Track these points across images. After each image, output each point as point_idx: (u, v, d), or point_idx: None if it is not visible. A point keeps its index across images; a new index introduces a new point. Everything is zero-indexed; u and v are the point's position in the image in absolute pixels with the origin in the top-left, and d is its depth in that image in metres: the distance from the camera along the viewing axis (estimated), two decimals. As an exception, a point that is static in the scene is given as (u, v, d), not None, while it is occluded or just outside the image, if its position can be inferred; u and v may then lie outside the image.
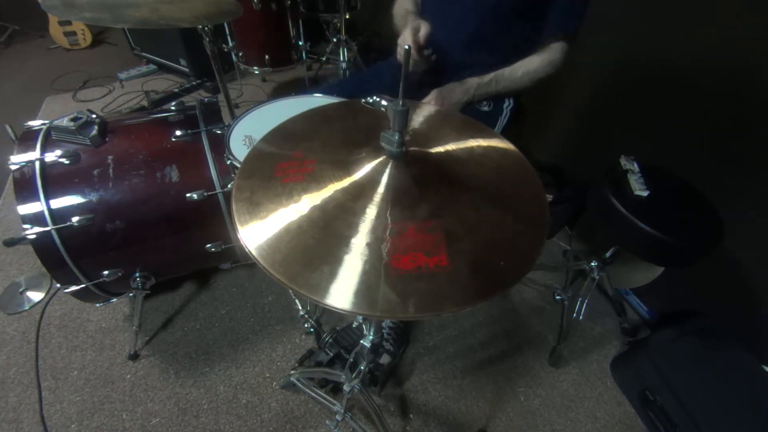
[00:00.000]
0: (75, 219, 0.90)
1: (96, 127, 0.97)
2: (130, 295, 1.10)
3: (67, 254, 0.92)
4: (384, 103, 0.56)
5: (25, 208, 0.88)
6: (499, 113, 1.14)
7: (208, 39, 1.24)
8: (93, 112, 1.01)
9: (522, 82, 1.05)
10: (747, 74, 1.11)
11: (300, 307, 1.29)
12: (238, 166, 0.71)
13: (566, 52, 1.04)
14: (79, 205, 0.92)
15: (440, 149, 0.59)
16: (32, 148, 0.93)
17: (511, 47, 1.06)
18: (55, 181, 0.92)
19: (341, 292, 0.40)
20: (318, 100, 1.13)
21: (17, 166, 0.90)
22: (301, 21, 2.06)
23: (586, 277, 1.29)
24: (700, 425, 1.00)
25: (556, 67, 1.04)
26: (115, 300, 1.18)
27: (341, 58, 2.16)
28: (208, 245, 1.10)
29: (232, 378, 1.20)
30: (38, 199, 0.89)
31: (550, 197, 1.66)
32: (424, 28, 1.01)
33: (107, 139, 1.00)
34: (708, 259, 0.96)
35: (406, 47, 0.46)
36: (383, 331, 1.18)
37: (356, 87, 1.25)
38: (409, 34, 1.00)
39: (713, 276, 1.23)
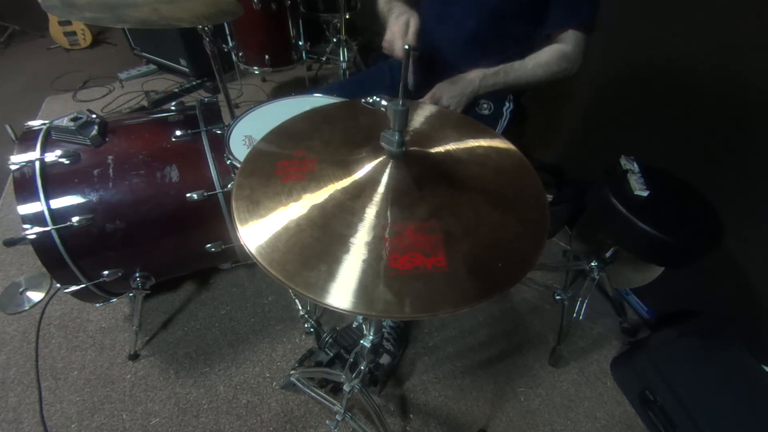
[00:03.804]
0: (75, 219, 0.90)
1: (96, 127, 0.97)
2: (130, 295, 1.10)
3: (67, 254, 0.92)
4: (384, 103, 0.56)
5: (25, 208, 0.88)
6: (499, 116, 1.12)
7: (208, 39, 1.24)
8: (93, 112, 1.01)
9: (534, 75, 1.00)
10: (747, 75, 1.10)
11: (300, 307, 1.29)
12: (238, 166, 0.71)
13: (581, 43, 0.98)
14: (79, 205, 0.92)
15: (440, 149, 0.59)
16: (32, 148, 0.93)
17: (511, 49, 1.03)
18: (55, 181, 0.92)
19: (339, 292, 0.40)
20: (318, 100, 1.12)
21: (17, 166, 0.90)
22: (301, 21, 2.06)
23: (586, 277, 1.29)
24: (700, 425, 1.00)
25: (570, 60, 0.99)
26: (115, 300, 1.18)
27: (341, 58, 2.16)
28: (208, 245, 1.10)
29: (232, 378, 1.20)
30: (38, 199, 0.89)
31: (550, 197, 1.66)
32: (413, 24, 0.92)
33: (107, 139, 1.00)
34: (708, 259, 0.96)
35: (406, 47, 0.46)
36: (383, 330, 1.18)
37: (356, 87, 1.24)
38: (399, 29, 0.91)
39: (713, 276, 1.23)
